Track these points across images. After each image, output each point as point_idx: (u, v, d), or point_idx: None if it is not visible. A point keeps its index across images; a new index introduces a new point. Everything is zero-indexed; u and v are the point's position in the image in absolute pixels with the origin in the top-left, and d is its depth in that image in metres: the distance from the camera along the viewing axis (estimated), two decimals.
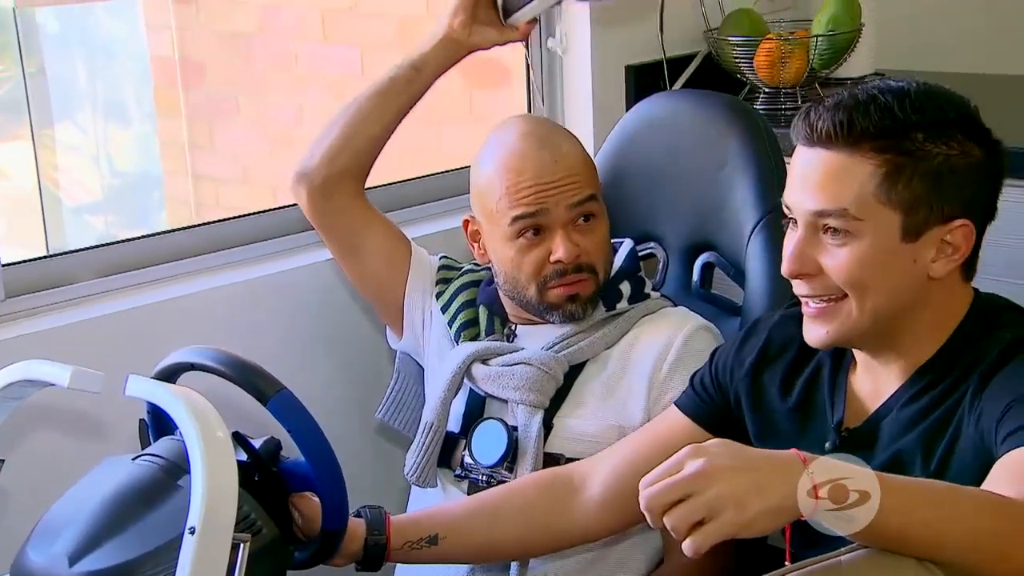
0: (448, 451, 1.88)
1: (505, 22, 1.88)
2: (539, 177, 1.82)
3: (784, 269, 1.43)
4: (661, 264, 2.05)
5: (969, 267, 1.45)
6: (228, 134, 3.61)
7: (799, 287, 1.44)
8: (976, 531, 1.15)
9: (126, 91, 3.82)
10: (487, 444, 1.83)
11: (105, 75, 3.77)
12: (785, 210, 1.44)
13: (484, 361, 1.87)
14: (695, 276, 2.02)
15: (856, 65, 2.66)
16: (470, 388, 1.89)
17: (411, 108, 1.93)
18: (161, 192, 3.83)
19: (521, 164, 1.83)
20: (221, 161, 3.61)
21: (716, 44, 2.59)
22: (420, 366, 2.03)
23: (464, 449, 1.86)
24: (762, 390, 1.58)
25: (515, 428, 1.83)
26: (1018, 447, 1.25)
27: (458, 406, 1.90)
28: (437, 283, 1.99)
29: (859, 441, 1.44)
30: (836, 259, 1.39)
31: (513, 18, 1.87)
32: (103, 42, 3.78)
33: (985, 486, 1.23)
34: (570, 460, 1.77)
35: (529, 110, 2.57)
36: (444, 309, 1.96)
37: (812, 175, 1.39)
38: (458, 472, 1.86)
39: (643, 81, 2.53)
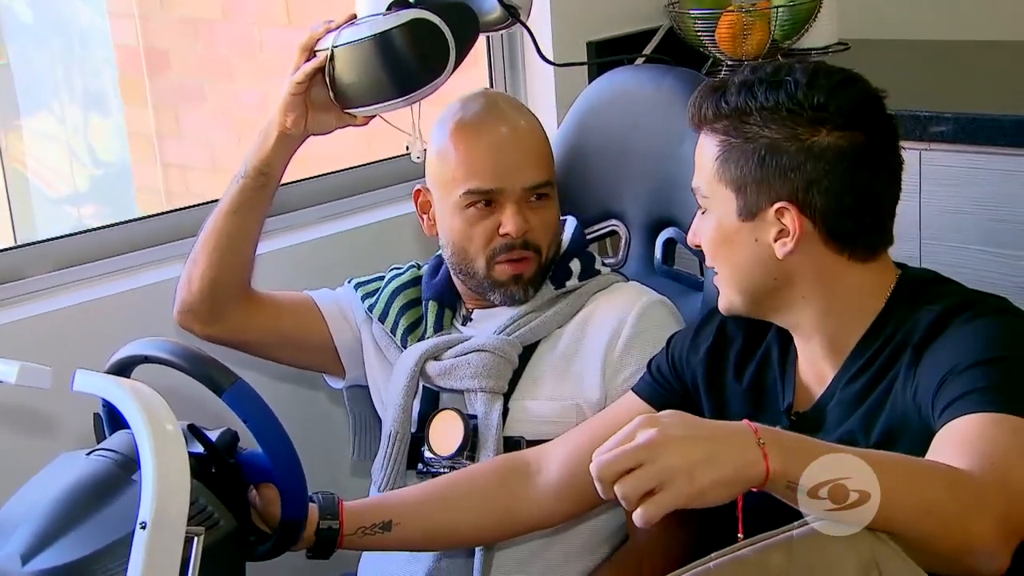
0: (410, 453, 1.85)
1: (343, 110, 1.79)
2: (497, 152, 1.80)
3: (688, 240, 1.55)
4: (623, 241, 2.05)
5: (849, 247, 1.43)
6: (195, 121, 3.58)
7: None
8: (929, 501, 1.15)
9: (99, 80, 3.79)
10: (444, 436, 1.81)
11: (79, 64, 3.74)
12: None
13: (435, 357, 1.85)
14: (657, 252, 2.01)
15: (818, 35, 2.63)
16: (423, 386, 1.87)
17: (270, 205, 1.86)
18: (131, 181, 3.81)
19: (479, 136, 1.81)
20: (189, 148, 3.59)
21: (677, 18, 2.58)
22: (366, 391, 2.00)
23: (423, 445, 1.84)
24: (718, 373, 1.59)
25: (472, 416, 1.81)
26: (957, 417, 1.26)
27: (413, 407, 1.87)
28: (364, 298, 1.95)
29: (808, 425, 1.45)
30: (699, 234, 1.50)
31: (351, 110, 1.80)
32: (77, 31, 3.75)
33: (928, 457, 1.24)
34: (531, 443, 1.76)
35: (491, 87, 2.55)
36: (383, 319, 1.92)
37: (694, 155, 1.49)
38: (420, 468, 1.84)
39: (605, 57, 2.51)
